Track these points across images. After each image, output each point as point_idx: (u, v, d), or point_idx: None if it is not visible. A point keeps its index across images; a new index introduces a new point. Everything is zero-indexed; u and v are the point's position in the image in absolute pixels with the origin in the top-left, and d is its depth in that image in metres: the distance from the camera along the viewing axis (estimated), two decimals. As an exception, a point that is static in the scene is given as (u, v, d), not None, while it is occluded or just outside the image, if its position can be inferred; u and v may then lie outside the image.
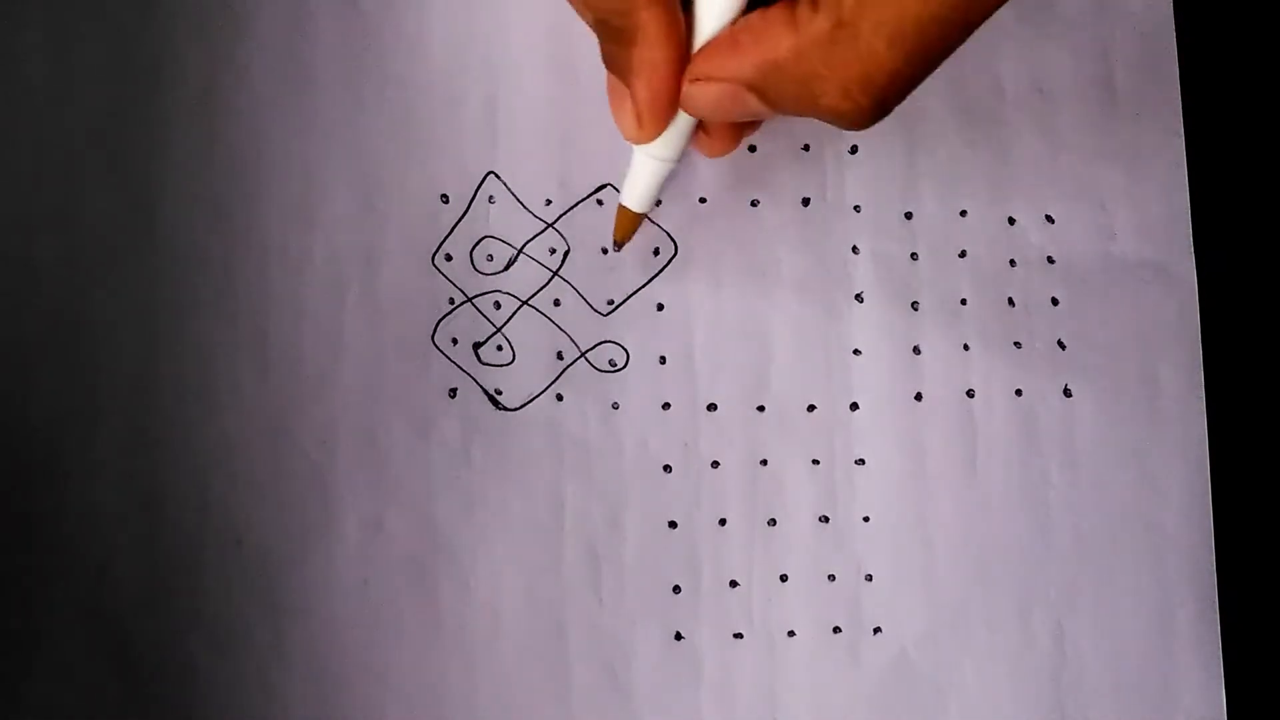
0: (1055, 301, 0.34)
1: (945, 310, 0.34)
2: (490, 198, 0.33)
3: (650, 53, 0.27)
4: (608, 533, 0.33)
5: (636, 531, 0.33)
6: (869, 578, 0.33)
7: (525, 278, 0.33)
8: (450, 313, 0.33)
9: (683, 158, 0.29)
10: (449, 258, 0.33)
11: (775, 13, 0.26)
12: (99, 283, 0.32)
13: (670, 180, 0.30)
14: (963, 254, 0.34)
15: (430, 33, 0.33)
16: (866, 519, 0.33)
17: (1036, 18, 0.34)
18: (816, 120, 0.26)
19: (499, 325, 0.33)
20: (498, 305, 0.33)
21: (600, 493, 0.33)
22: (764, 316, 0.33)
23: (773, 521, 0.33)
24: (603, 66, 0.28)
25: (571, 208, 0.33)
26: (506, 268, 0.33)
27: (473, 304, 0.33)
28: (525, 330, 0.33)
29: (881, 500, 0.33)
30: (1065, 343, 0.34)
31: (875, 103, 0.25)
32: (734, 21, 0.26)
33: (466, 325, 0.33)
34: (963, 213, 0.34)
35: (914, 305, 0.34)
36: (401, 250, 0.33)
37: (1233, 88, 0.35)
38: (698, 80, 0.27)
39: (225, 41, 0.33)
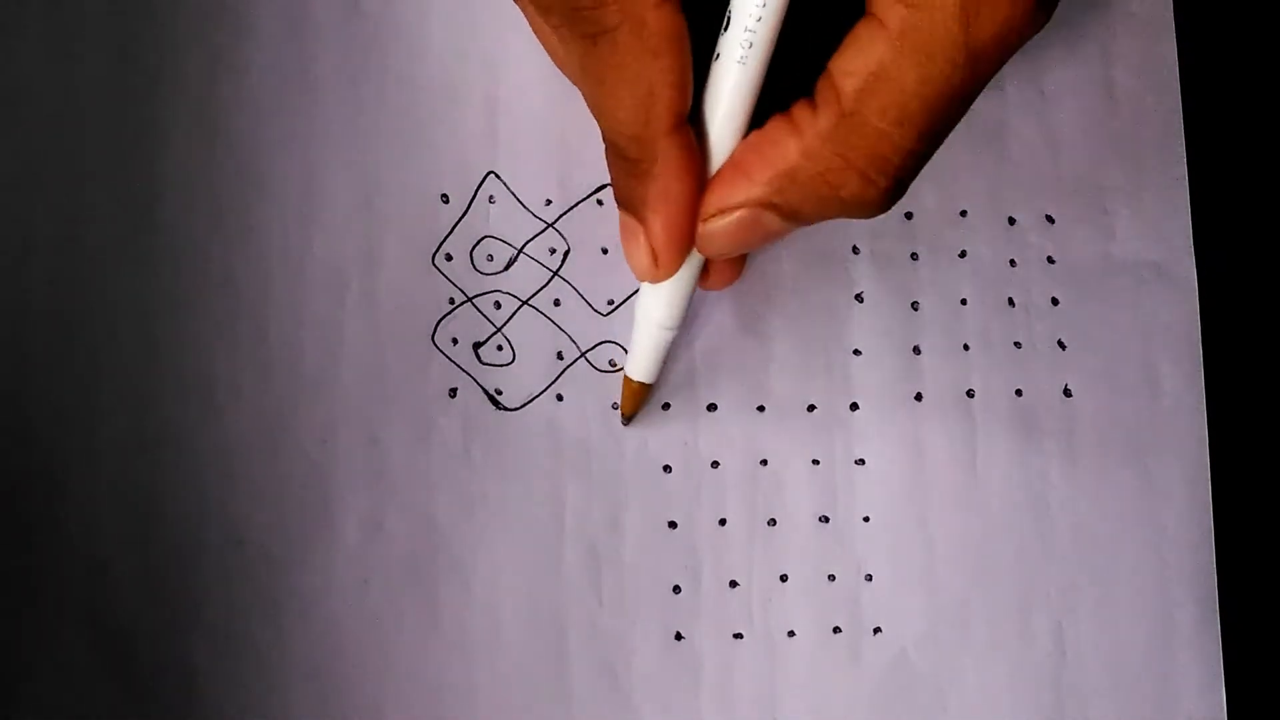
0: (1055, 301, 0.34)
1: (945, 310, 0.34)
2: (490, 198, 0.33)
3: (668, 185, 0.26)
4: (608, 533, 0.33)
5: (636, 531, 0.33)
6: (869, 578, 0.33)
7: (525, 278, 0.33)
8: (450, 313, 0.33)
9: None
10: (449, 258, 0.33)
11: (774, 125, 0.26)
12: (99, 283, 0.32)
13: None
14: (963, 254, 0.34)
15: (430, 33, 0.33)
16: (866, 519, 0.33)
17: (1036, 18, 0.34)
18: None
19: (499, 325, 0.33)
20: (498, 305, 0.33)
21: (600, 493, 0.33)
22: (764, 316, 0.33)
23: (773, 521, 0.33)
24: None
25: (571, 208, 0.33)
26: (506, 268, 0.33)
27: (473, 304, 0.33)
28: (525, 330, 0.33)
29: (881, 500, 0.33)
30: (1065, 343, 0.34)
31: (895, 182, 0.25)
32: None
33: (466, 325, 0.33)
34: (963, 213, 0.34)
35: (914, 305, 0.34)
36: (401, 250, 0.33)
37: (1233, 88, 0.35)
38: (713, 215, 0.27)
39: (225, 41, 0.33)
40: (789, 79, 0.26)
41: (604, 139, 0.27)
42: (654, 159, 0.26)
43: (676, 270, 0.28)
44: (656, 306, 0.29)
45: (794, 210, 0.26)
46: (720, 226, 0.27)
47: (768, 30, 0.26)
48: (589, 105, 0.27)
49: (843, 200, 0.25)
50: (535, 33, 0.31)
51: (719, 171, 0.27)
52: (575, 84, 0.28)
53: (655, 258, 0.28)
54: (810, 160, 0.25)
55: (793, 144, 0.25)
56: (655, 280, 0.28)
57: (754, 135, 0.26)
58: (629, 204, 0.28)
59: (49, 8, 0.32)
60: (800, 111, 0.25)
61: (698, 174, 0.27)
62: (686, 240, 0.27)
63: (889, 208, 0.26)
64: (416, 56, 0.33)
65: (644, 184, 0.27)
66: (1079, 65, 0.34)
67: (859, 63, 0.24)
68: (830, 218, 0.26)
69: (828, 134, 0.25)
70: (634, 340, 0.30)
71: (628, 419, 0.32)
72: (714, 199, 0.27)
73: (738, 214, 0.26)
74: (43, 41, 0.32)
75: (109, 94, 0.32)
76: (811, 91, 0.25)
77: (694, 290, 0.29)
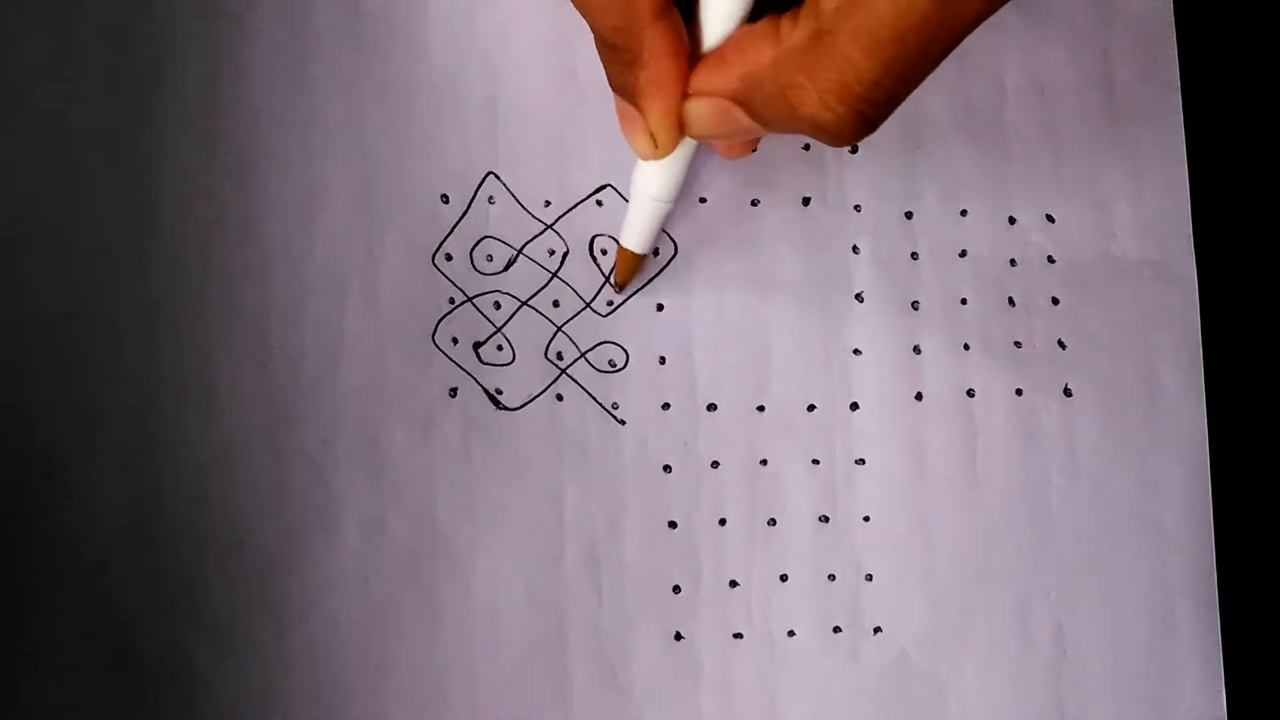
0: (1055, 301, 0.34)
1: (945, 310, 0.34)
2: (490, 198, 0.33)
3: (657, 72, 0.27)
4: (608, 533, 0.33)
5: (636, 531, 0.33)
6: (869, 578, 0.33)
7: (525, 278, 0.33)
8: (450, 313, 0.33)
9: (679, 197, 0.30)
10: (449, 258, 0.33)
11: (761, 25, 0.26)
12: (99, 283, 0.32)
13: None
14: (963, 254, 0.34)
15: (430, 33, 0.33)
16: (866, 519, 0.33)
17: (1036, 18, 0.34)
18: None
19: (499, 325, 0.33)
20: (498, 305, 0.33)
21: (600, 493, 0.33)
22: (764, 316, 0.33)
23: (773, 521, 0.33)
24: (603, 73, 0.28)
25: (571, 208, 0.33)
26: (506, 268, 0.33)
27: (473, 304, 0.33)
28: (525, 330, 0.33)
29: (881, 500, 0.33)
30: (1065, 343, 0.34)
31: (855, 113, 0.25)
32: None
33: (467, 325, 0.33)
34: (963, 213, 0.34)
35: (914, 305, 0.34)
36: (401, 250, 0.33)
37: (1233, 87, 0.35)
38: (690, 97, 0.27)
39: (225, 41, 0.33)
40: None
41: (592, 32, 0.27)
42: (641, 48, 0.26)
43: (676, 145, 0.29)
44: (651, 181, 0.30)
45: (758, 113, 0.26)
46: (697, 110, 0.27)
47: None
48: (573, 2, 0.27)
49: (800, 118, 0.25)
50: None
51: (705, 57, 0.27)
52: None
53: (653, 139, 0.28)
54: (776, 71, 0.25)
55: (768, 49, 0.25)
56: (657, 158, 0.29)
57: (741, 30, 0.26)
58: (622, 91, 0.28)
59: (49, 8, 0.32)
60: (786, 20, 0.25)
61: (686, 60, 0.27)
62: (682, 122, 0.28)
63: (853, 139, 0.25)
64: (416, 56, 0.33)
65: (634, 71, 0.27)
66: (1079, 65, 0.34)
67: None
68: (793, 132, 0.26)
69: (798, 49, 0.25)
70: (629, 212, 0.31)
71: (621, 287, 0.33)
72: (693, 82, 0.27)
73: (710, 102, 0.27)
74: (43, 41, 0.32)
75: (109, 94, 0.32)
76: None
77: (689, 165, 0.30)
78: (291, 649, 0.32)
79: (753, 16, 0.26)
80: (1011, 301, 0.34)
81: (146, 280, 0.32)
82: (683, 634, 0.33)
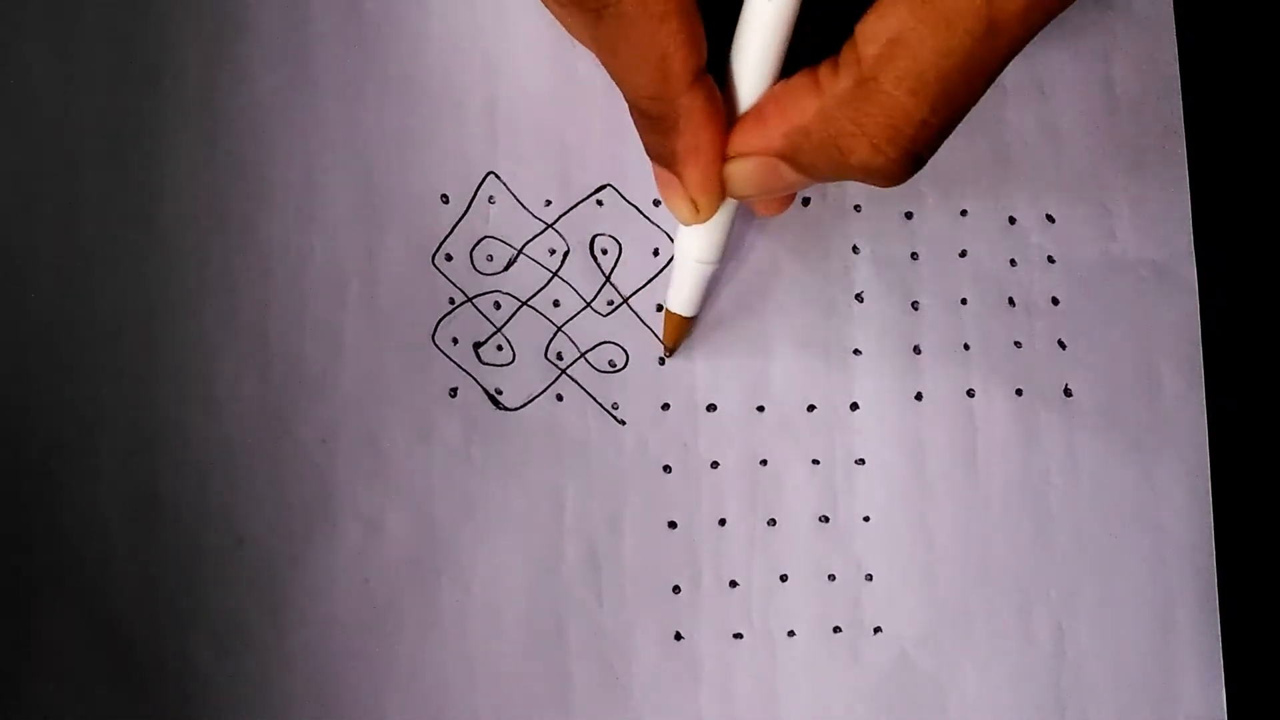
0: (1055, 301, 0.34)
1: (945, 310, 0.34)
2: (490, 198, 0.33)
3: (695, 138, 0.27)
4: (608, 533, 0.33)
5: (636, 531, 0.33)
6: (869, 578, 0.33)
7: (525, 278, 0.33)
8: (450, 313, 0.33)
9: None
10: (449, 258, 0.33)
11: (799, 79, 0.26)
12: (99, 283, 0.32)
13: None
14: (963, 254, 0.34)
15: (430, 33, 0.33)
16: (866, 519, 0.33)
17: (1037, 17, 0.34)
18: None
19: (499, 325, 0.33)
20: (498, 305, 0.33)
21: (600, 493, 0.33)
22: (764, 316, 0.33)
23: (773, 521, 0.33)
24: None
25: (571, 208, 0.33)
26: (506, 268, 0.33)
27: (473, 304, 0.33)
28: (525, 330, 0.33)
29: (881, 500, 0.33)
30: (1065, 343, 0.34)
31: (906, 154, 0.25)
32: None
33: (467, 325, 0.33)
34: (963, 213, 0.34)
35: (914, 305, 0.34)
36: (401, 250, 0.33)
37: (1233, 87, 0.35)
38: (732, 159, 0.27)
39: (225, 41, 0.33)
40: (828, 37, 0.26)
41: (626, 101, 0.27)
42: (677, 115, 0.26)
43: (717, 209, 0.29)
44: (695, 243, 0.30)
45: (807, 166, 0.26)
46: (740, 170, 0.27)
47: None
48: (607, 70, 0.27)
49: (852, 166, 0.25)
50: (544, 5, 0.31)
51: (743, 116, 0.27)
52: (590, 50, 0.28)
53: (695, 205, 0.28)
54: (824, 122, 0.25)
55: (810, 102, 0.25)
56: (699, 223, 0.29)
57: (779, 86, 0.26)
58: (660, 158, 0.28)
59: (49, 8, 0.32)
60: (824, 70, 0.25)
61: (723, 123, 0.27)
62: (722, 185, 0.28)
63: (905, 178, 0.25)
64: (416, 56, 0.33)
65: (671, 139, 0.27)
66: (1079, 65, 0.34)
67: (880, 28, 0.24)
68: (845, 179, 0.26)
69: (844, 98, 0.25)
70: (674, 275, 0.31)
71: (670, 351, 0.33)
72: (734, 144, 0.27)
73: (754, 161, 0.27)
74: (43, 41, 0.32)
75: (109, 94, 0.32)
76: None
77: (732, 225, 0.30)
78: (291, 649, 0.32)
79: (784, 73, 0.26)
80: (1011, 301, 0.34)
81: (146, 281, 0.32)
82: (683, 634, 0.33)
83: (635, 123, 0.28)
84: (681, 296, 0.31)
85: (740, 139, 0.27)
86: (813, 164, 0.26)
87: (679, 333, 0.32)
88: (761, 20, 0.26)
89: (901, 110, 0.24)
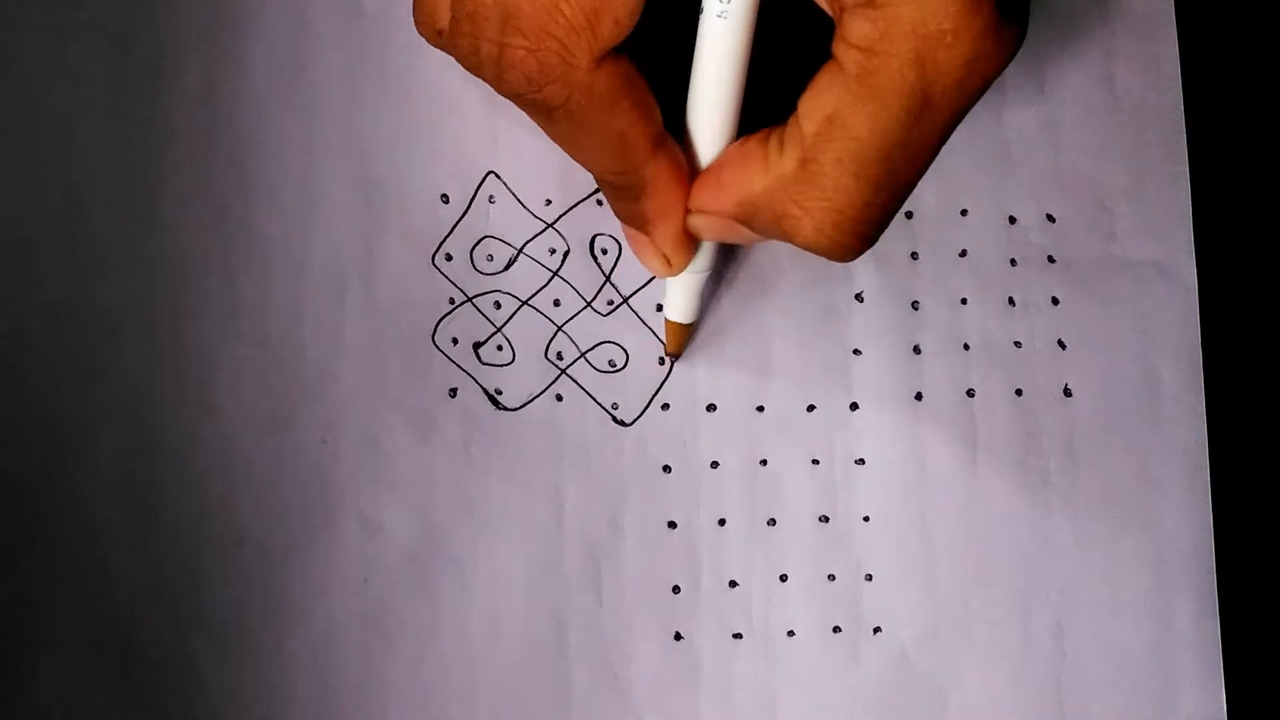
0: (1055, 301, 0.34)
1: (945, 310, 0.34)
2: (490, 198, 0.33)
3: (661, 201, 0.27)
4: (608, 533, 0.33)
5: (636, 531, 0.33)
6: (869, 578, 0.33)
7: (525, 278, 0.33)
8: (450, 313, 0.33)
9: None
10: (449, 258, 0.33)
11: (751, 147, 0.26)
12: (99, 282, 0.32)
13: None
14: (963, 254, 0.34)
15: (430, 33, 0.33)
16: (866, 519, 0.33)
17: (1037, 17, 0.34)
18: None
19: (499, 325, 0.33)
20: (498, 305, 0.33)
21: (600, 493, 0.33)
22: (764, 316, 0.33)
23: (772, 521, 0.33)
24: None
25: (571, 208, 0.33)
26: (506, 268, 0.33)
27: (473, 304, 0.33)
28: (525, 330, 0.33)
29: (881, 500, 0.33)
30: (1065, 343, 0.34)
31: (851, 236, 0.24)
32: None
33: (466, 325, 0.33)
34: (963, 212, 0.34)
35: (914, 305, 0.34)
36: (401, 250, 0.33)
37: (1234, 87, 0.35)
38: (694, 213, 0.28)
39: (225, 41, 0.33)
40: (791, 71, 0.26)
41: (592, 173, 0.28)
42: (645, 182, 0.27)
43: (690, 260, 0.29)
44: None
45: (761, 232, 0.26)
46: (702, 224, 0.28)
47: (741, 12, 0.26)
48: (572, 155, 0.28)
49: (800, 243, 0.25)
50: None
51: (702, 174, 0.28)
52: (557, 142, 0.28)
53: (668, 259, 0.29)
54: (769, 200, 0.25)
55: (759, 178, 0.25)
56: (674, 274, 0.30)
57: (734, 148, 0.27)
58: (630, 220, 0.29)
59: (49, 7, 0.32)
60: (772, 144, 0.25)
61: (687, 181, 0.28)
62: (692, 239, 0.29)
63: (853, 257, 0.25)
64: (416, 56, 0.33)
65: (641, 204, 0.27)
66: (1080, 64, 0.34)
67: (818, 104, 0.24)
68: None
69: (787, 178, 0.25)
70: (669, 286, 0.31)
71: (675, 356, 0.33)
72: (694, 199, 0.27)
73: (714, 218, 0.27)
74: (43, 41, 0.32)
75: (109, 94, 0.32)
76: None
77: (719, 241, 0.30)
78: (291, 649, 0.32)
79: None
80: (1011, 301, 0.34)
81: (146, 280, 0.32)
82: (682, 634, 0.33)
83: (603, 191, 0.28)
84: (679, 305, 0.31)
85: (699, 198, 0.27)
86: (765, 232, 0.26)
87: (682, 339, 0.32)
88: (712, 75, 0.26)
89: (844, 194, 0.24)
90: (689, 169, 0.28)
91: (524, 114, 0.27)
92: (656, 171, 0.27)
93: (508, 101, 0.31)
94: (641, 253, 0.29)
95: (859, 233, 0.25)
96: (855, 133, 0.23)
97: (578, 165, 0.28)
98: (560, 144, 0.27)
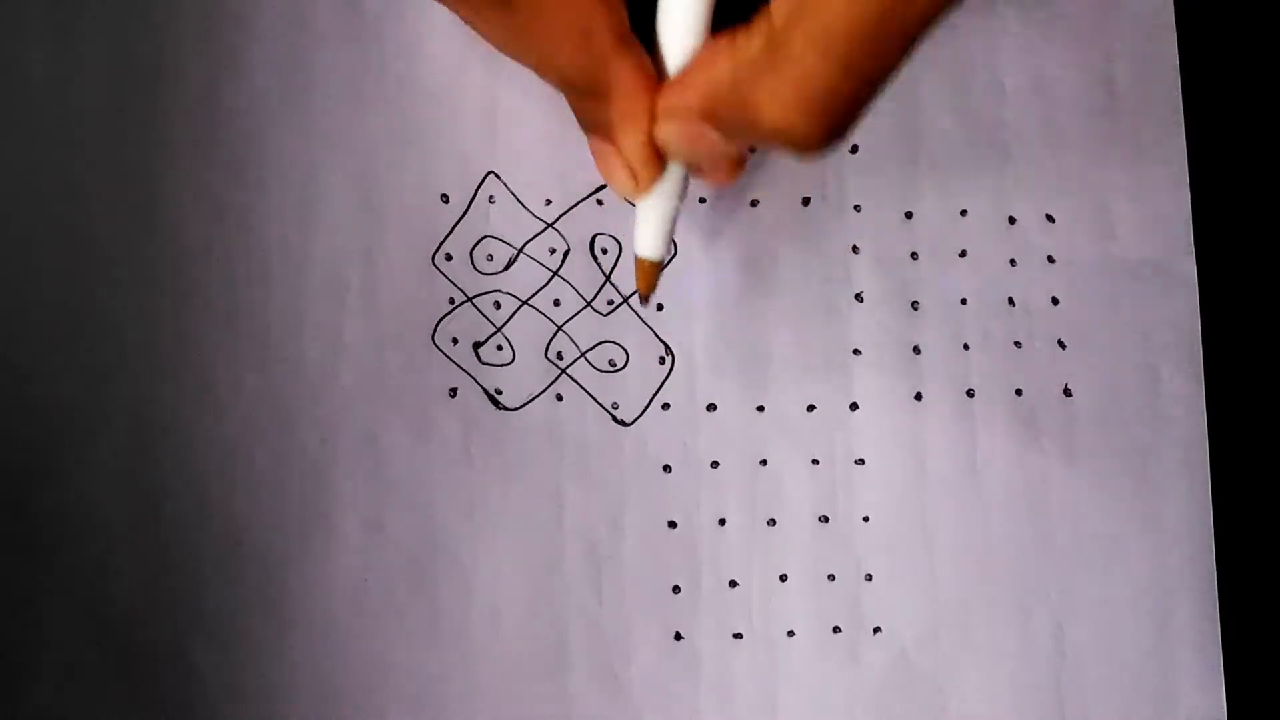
0: (1055, 301, 0.34)
1: (945, 310, 0.34)
2: (490, 198, 0.33)
3: (628, 104, 0.26)
4: (608, 533, 0.33)
5: (636, 531, 0.33)
6: (869, 578, 0.33)
7: (525, 277, 0.33)
8: (450, 312, 0.33)
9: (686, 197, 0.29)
10: (449, 257, 0.33)
11: (718, 41, 0.25)
12: (99, 282, 0.32)
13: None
14: (963, 254, 0.34)
15: (430, 33, 0.33)
16: (866, 519, 0.33)
17: (1036, 17, 0.34)
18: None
19: (499, 325, 0.33)
20: (498, 305, 0.33)
21: (600, 493, 0.33)
22: (764, 316, 0.33)
23: (772, 521, 0.33)
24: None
25: (571, 208, 0.33)
26: (506, 268, 0.33)
27: (473, 304, 0.33)
28: (525, 330, 0.33)
29: (881, 500, 0.33)
30: (1065, 343, 0.34)
31: (815, 120, 0.24)
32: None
33: (466, 325, 0.33)
34: (963, 212, 0.34)
35: (914, 305, 0.34)
36: (401, 250, 0.33)
37: (1234, 86, 0.35)
38: (659, 122, 0.27)
39: (225, 41, 0.33)
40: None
41: (555, 84, 0.27)
42: (609, 82, 0.26)
43: (657, 179, 0.28)
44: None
45: (725, 127, 0.26)
46: (667, 133, 0.27)
47: None
48: (529, 64, 0.27)
49: (762, 130, 0.24)
50: (460, 18, 0.30)
51: (669, 81, 0.27)
52: (508, 51, 0.27)
53: (634, 174, 0.28)
54: (735, 84, 0.24)
55: (725, 64, 0.25)
56: (638, 195, 0.28)
57: (703, 48, 0.26)
58: (594, 128, 0.28)
59: (49, 8, 0.32)
60: (741, 33, 0.25)
61: (654, 88, 0.27)
62: (658, 151, 0.27)
63: (820, 147, 0.24)
64: (416, 56, 0.33)
65: (604, 107, 0.27)
66: (1079, 63, 0.34)
67: None
68: (762, 145, 0.26)
69: (754, 60, 0.24)
70: (637, 218, 0.30)
71: (645, 298, 0.31)
72: (659, 104, 0.27)
73: (679, 123, 0.26)
74: (43, 41, 0.32)
75: (109, 94, 0.32)
76: None
77: (684, 167, 0.29)
78: (291, 649, 0.32)
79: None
80: (1011, 301, 0.34)
81: (146, 280, 0.32)
82: (682, 634, 0.33)
83: (567, 100, 0.27)
84: (648, 237, 0.30)
85: (665, 101, 0.26)
86: (730, 125, 0.25)
87: (651, 277, 0.30)
88: None
89: (811, 74, 0.23)
90: (658, 79, 0.27)
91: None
92: (621, 70, 0.26)
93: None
94: (607, 167, 0.28)
95: (826, 119, 0.24)
96: (827, 12, 0.23)
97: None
98: (519, 42, 0.26)
